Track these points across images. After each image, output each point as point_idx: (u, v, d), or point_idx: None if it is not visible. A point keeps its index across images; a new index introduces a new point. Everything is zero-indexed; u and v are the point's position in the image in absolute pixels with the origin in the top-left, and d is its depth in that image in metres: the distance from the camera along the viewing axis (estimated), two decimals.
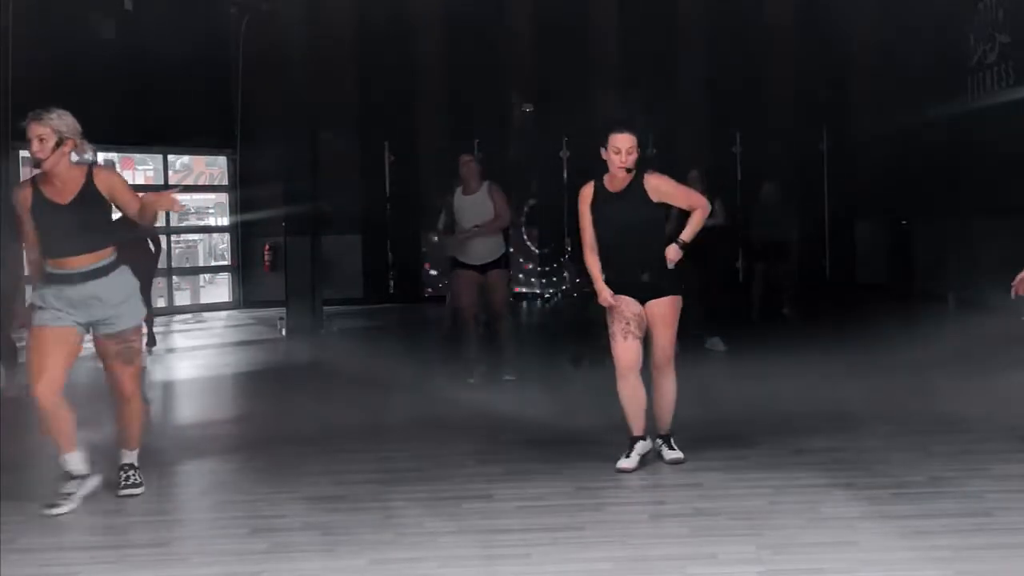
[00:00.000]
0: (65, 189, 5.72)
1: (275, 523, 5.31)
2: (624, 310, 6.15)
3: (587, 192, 6.32)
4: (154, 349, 12.42)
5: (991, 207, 13.39)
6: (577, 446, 6.72)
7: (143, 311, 6.07)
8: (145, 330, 12.48)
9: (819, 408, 7.73)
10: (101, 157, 16.75)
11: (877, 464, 6.10)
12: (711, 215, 10.76)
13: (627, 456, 6.15)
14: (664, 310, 6.22)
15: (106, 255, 5.80)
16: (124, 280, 5.89)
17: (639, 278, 6.17)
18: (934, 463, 6.08)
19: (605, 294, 6.21)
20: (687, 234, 6.27)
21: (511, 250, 10.60)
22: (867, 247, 18.19)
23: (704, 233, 10.71)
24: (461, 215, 9.27)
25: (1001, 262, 7.55)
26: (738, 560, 4.58)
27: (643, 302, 6.19)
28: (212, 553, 4.91)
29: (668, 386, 6.33)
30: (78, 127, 5.74)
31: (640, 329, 6.18)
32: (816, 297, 16.54)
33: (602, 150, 6.18)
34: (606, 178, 6.25)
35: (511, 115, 18.33)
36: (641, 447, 6.21)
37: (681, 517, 5.18)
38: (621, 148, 6.12)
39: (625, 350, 6.16)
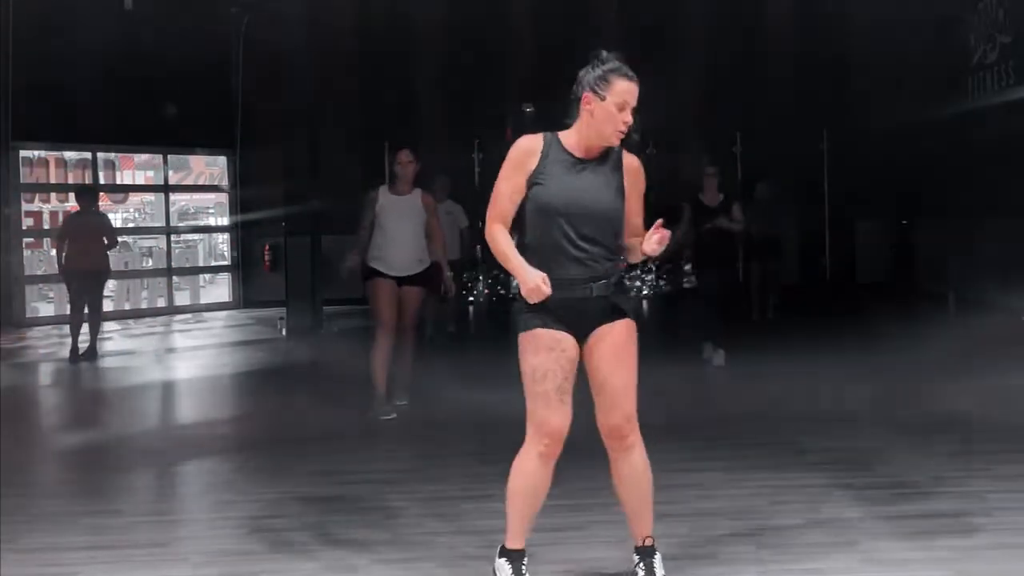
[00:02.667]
0: None
1: (275, 523, 5.30)
2: (553, 363, 4.07)
3: (531, 146, 4.19)
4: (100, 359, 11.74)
5: (991, 207, 13.39)
6: (577, 446, 6.69)
7: None
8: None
9: (819, 408, 7.74)
10: (101, 157, 16.82)
11: (877, 464, 6.10)
12: (732, 219, 10.75)
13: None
14: (622, 338, 4.12)
15: None
16: None
17: (588, 292, 4.04)
18: (934, 463, 6.08)
19: (536, 278, 3.98)
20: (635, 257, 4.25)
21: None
22: (867, 247, 18.21)
23: (724, 238, 10.70)
24: (386, 215, 8.51)
25: (1001, 262, 7.55)
26: (738, 560, 4.57)
27: (583, 336, 4.11)
28: (212, 553, 4.90)
29: (641, 467, 4.28)
30: None
31: (571, 382, 4.16)
32: (816, 297, 16.56)
33: (588, 95, 4.09)
34: (568, 138, 4.20)
35: (511, 115, 18.31)
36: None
37: (681, 517, 5.17)
38: (629, 102, 4.09)
39: (558, 413, 4.14)
